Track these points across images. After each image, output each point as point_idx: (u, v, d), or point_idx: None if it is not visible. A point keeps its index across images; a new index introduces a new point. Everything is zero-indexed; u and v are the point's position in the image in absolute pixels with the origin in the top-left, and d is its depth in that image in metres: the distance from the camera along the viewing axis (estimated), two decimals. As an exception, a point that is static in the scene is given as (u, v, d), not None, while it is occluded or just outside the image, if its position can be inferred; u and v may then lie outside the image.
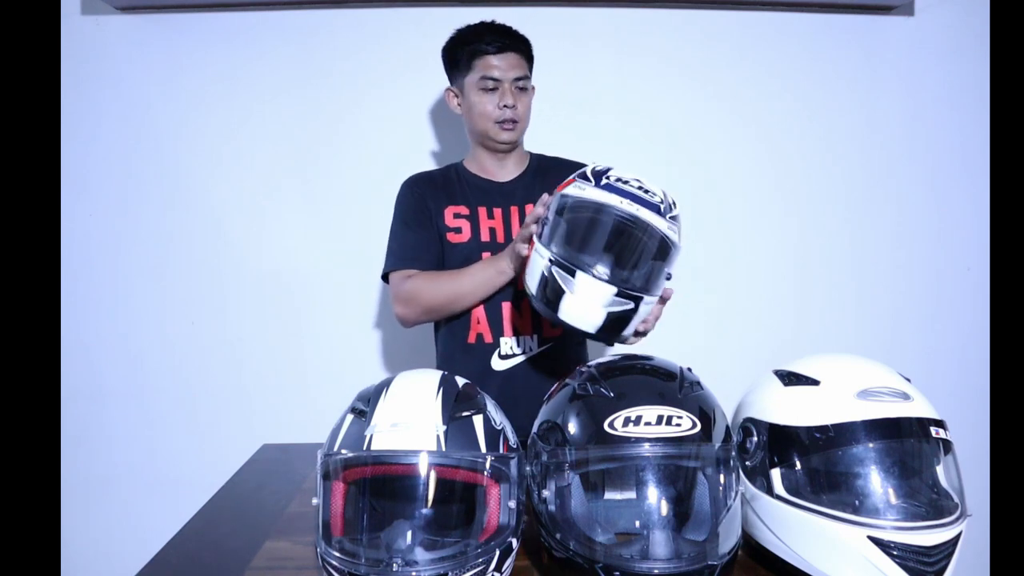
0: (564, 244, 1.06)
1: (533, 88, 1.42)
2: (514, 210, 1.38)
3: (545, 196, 1.11)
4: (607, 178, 1.05)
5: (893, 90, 1.90)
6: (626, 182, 1.04)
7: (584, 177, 1.06)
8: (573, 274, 1.01)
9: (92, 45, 1.81)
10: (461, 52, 1.35)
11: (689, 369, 0.96)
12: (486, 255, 1.33)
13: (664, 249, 1.05)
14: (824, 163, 1.91)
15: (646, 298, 1.04)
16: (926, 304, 1.95)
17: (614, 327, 1.05)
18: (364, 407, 0.87)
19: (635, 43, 1.86)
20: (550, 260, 1.04)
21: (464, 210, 1.38)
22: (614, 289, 1.01)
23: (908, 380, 0.92)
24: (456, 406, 0.87)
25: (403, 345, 1.89)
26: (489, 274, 1.26)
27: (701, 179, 1.90)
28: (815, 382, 0.91)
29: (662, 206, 1.04)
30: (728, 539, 0.84)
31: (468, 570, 0.80)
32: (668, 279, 1.10)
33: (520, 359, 1.36)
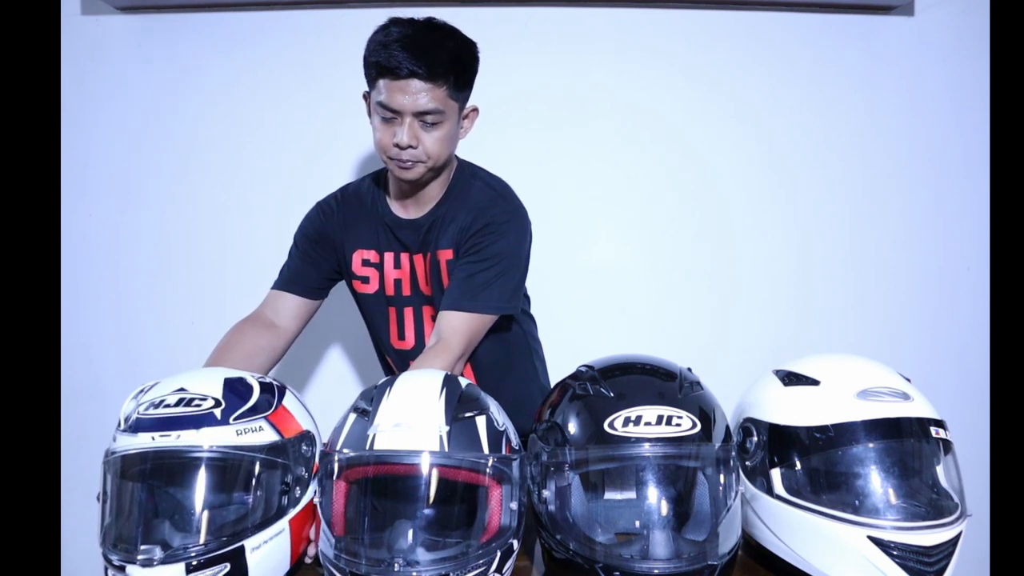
0: (112, 544, 0.81)
1: (474, 111, 1.22)
2: (418, 259, 1.25)
3: None
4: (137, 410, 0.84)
5: (893, 90, 1.90)
6: (160, 402, 0.83)
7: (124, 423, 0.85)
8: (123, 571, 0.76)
9: (92, 45, 1.81)
10: (369, 62, 1.12)
11: (689, 369, 0.96)
12: (392, 311, 1.30)
13: (249, 467, 0.84)
14: (824, 163, 1.91)
15: (251, 542, 0.81)
16: (926, 304, 1.95)
17: None
18: (367, 407, 0.87)
19: (635, 43, 1.86)
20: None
21: (373, 256, 1.28)
22: (179, 567, 0.76)
23: (908, 380, 0.92)
24: (459, 407, 0.87)
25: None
26: None
27: (701, 179, 1.90)
28: (815, 382, 0.91)
29: (219, 410, 0.82)
30: (728, 539, 0.84)
31: (469, 571, 0.80)
32: (289, 490, 0.85)
33: None
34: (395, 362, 1.35)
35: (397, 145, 1.11)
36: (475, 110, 1.23)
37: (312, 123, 1.85)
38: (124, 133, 1.84)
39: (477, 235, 1.20)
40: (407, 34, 1.08)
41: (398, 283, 1.28)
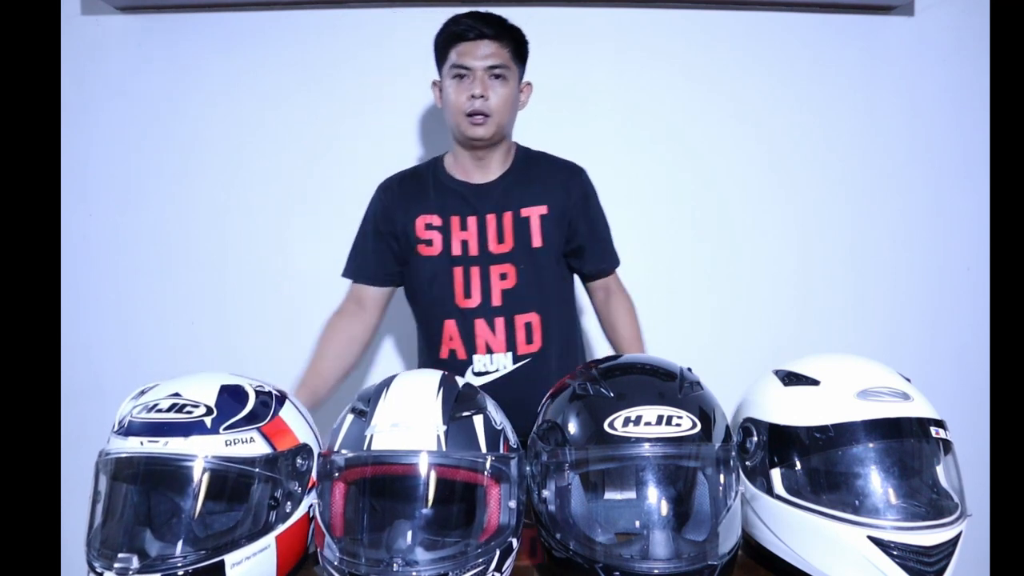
0: (96, 549, 0.80)
1: (528, 85, 1.39)
2: (490, 218, 1.33)
3: None
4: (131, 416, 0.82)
5: (893, 90, 1.90)
6: (153, 406, 0.83)
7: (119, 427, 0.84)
8: None
9: (92, 45, 1.81)
10: (440, 40, 1.31)
11: (689, 369, 0.96)
12: (457, 270, 1.32)
13: (236, 479, 0.81)
14: (824, 163, 1.91)
15: (232, 557, 0.78)
16: (926, 304, 1.95)
17: None
18: (364, 407, 0.87)
19: (635, 43, 1.86)
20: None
21: (436, 220, 1.34)
22: None
23: (908, 380, 0.92)
24: (456, 406, 0.87)
25: (404, 345, 1.89)
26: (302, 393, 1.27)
27: (702, 179, 1.90)
28: (815, 382, 0.91)
29: (209, 418, 0.80)
30: (728, 539, 0.84)
31: (468, 570, 0.80)
32: (278, 505, 0.82)
33: (494, 376, 1.32)
34: (459, 322, 1.34)
35: (472, 96, 1.26)
36: (529, 84, 1.39)
37: (312, 123, 1.85)
38: (124, 133, 1.84)
39: (583, 200, 1.39)
40: (472, 15, 1.29)
41: (465, 244, 1.33)
